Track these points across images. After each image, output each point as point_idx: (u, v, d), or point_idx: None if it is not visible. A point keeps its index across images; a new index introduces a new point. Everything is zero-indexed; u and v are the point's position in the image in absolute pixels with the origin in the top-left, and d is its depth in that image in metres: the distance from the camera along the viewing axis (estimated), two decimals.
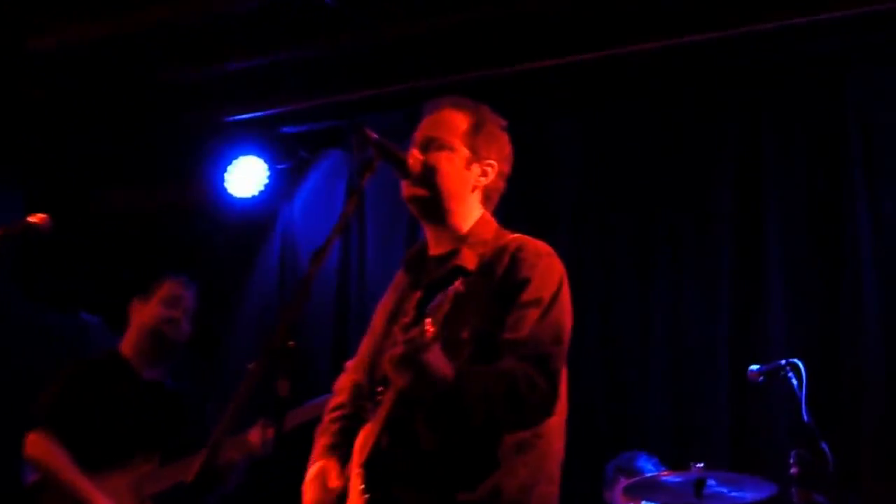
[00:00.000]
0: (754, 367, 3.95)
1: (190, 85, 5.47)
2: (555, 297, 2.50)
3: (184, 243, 5.85)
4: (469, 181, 2.67)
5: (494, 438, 2.43)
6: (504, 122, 2.76)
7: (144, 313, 4.16)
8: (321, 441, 2.70)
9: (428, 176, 2.61)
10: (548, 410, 2.44)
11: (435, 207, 2.63)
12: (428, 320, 2.19)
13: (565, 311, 2.52)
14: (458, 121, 2.69)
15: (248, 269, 5.93)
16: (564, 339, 2.49)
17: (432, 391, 2.28)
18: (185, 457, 3.81)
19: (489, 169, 2.70)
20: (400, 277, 2.78)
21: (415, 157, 2.62)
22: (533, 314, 2.44)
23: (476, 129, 2.69)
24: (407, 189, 2.64)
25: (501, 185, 2.74)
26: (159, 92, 5.49)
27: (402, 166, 2.61)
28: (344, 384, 2.80)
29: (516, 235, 2.64)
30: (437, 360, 2.26)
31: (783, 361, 3.87)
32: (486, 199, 2.72)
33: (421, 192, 2.62)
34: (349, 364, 2.85)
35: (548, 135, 5.23)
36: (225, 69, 5.27)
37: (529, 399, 2.37)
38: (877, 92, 4.64)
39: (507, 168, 2.75)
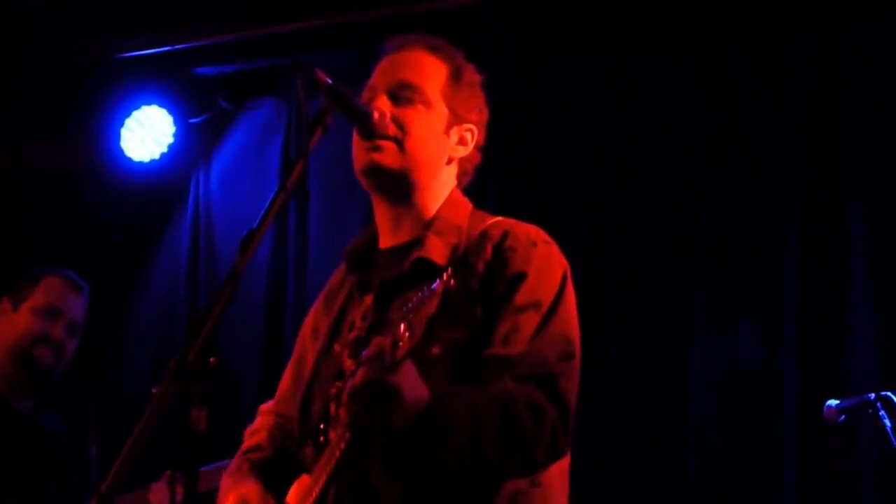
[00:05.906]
0: (833, 402, 3.97)
1: (68, 8, 5.41)
2: (557, 298, 2.53)
3: (60, 223, 5.80)
4: (446, 150, 2.70)
5: (484, 489, 2.42)
6: (481, 77, 2.78)
7: (10, 324, 4.09)
8: (230, 479, 2.69)
9: (400, 138, 2.61)
10: (558, 449, 2.44)
11: (402, 181, 2.63)
12: (402, 326, 2.17)
13: (572, 317, 2.56)
14: (434, 68, 2.70)
15: (147, 259, 5.92)
16: (575, 353, 2.51)
17: (403, 426, 2.27)
18: None
19: (468, 136, 2.73)
20: (337, 281, 2.80)
21: (382, 108, 2.60)
22: (531, 321, 2.46)
23: (455, 81, 2.71)
24: (366, 154, 2.61)
25: (478, 158, 2.78)
26: (25, 18, 5.42)
27: (365, 122, 2.58)
28: (260, 426, 2.83)
29: (498, 219, 2.67)
30: (411, 383, 2.25)
31: (871, 395, 3.89)
32: (461, 176, 2.76)
33: (389, 159, 2.60)
34: (264, 407, 2.87)
35: (553, 88, 5.16)
36: None
37: (535, 432, 2.36)
38: None
39: (482, 137, 2.78)
